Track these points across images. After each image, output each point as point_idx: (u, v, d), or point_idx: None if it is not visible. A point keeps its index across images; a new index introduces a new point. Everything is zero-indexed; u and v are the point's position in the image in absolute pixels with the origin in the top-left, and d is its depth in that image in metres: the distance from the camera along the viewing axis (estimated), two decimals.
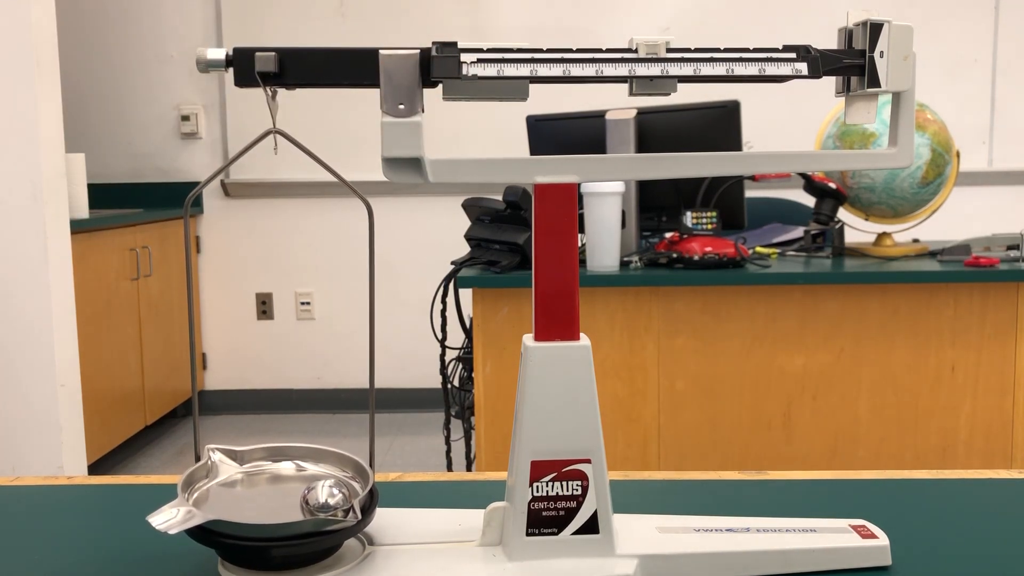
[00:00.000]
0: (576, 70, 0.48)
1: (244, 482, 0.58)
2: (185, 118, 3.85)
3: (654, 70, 0.48)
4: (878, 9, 3.58)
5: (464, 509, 0.60)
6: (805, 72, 0.49)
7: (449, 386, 2.20)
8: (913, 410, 2.00)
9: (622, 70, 0.48)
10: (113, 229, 3.19)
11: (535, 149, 2.35)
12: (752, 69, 0.49)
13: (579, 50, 0.48)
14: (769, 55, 0.49)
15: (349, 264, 3.90)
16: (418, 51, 0.49)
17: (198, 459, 0.58)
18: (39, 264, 2.50)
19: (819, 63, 0.50)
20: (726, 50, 0.48)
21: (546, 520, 0.54)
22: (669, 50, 0.48)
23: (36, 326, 2.51)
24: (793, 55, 0.49)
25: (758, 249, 2.18)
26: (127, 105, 3.86)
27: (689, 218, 2.10)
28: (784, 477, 0.73)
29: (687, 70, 0.48)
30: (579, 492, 0.54)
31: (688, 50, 0.48)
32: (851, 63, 0.50)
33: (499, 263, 1.97)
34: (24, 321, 2.51)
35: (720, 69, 0.48)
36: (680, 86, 0.50)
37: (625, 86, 0.49)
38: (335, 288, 3.92)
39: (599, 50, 0.47)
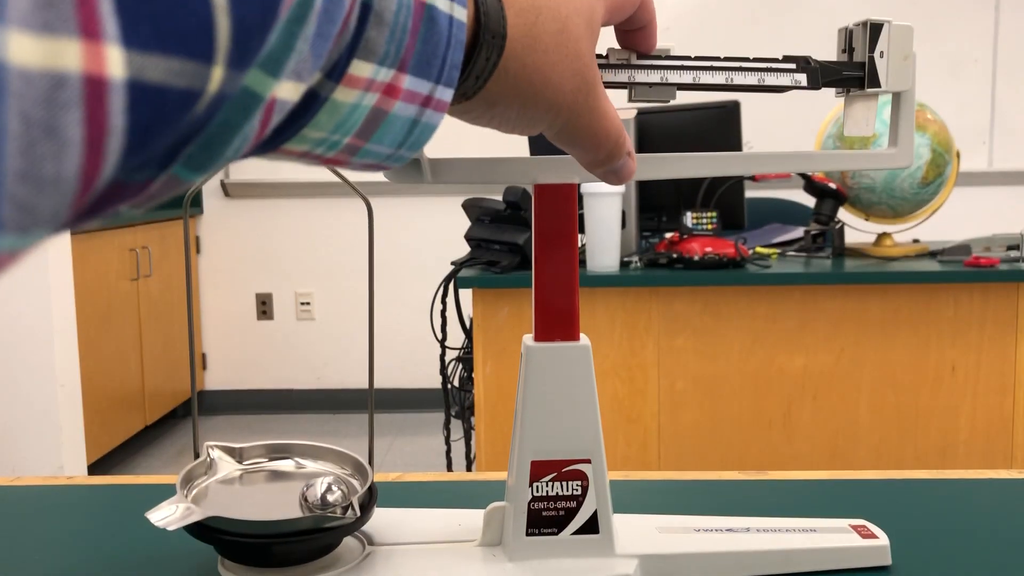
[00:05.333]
0: None
1: (243, 479, 0.58)
2: None
3: (653, 77, 0.48)
4: (878, 9, 3.58)
5: (464, 509, 0.60)
6: (804, 83, 0.49)
7: (449, 386, 2.20)
8: (913, 410, 2.00)
9: (621, 76, 0.48)
10: (113, 229, 3.19)
11: (535, 149, 2.35)
12: (751, 79, 0.49)
13: None
14: (769, 65, 0.49)
15: (349, 264, 3.90)
16: None
17: (197, 456, 0.58)
18: (39, 264, 2.50)
19: (818, 75, 0.50)
20: (726, 59, 0.48)
21: (546, 520, 0.54)
22: (668, 57, 0.48)
23: (36, 326, 2.51)
24: (793, 66, 0.49)
25: (758, 249, 2.18)
26: None
27: (689, 218, 2.10)
28: (784, 477, 0.73)
29: (686, 78, 0.48)
30: (579, 492, 0.54)
31: (688, 58, 0.48)
32: (851, 75, 0.50)
33: (499, 263, 1.97)
34: (24, 321, 2.51)
35: (719, 78, 0.48)
36: None
37: (624, 89, 0.49)
38: (335, 288, 3.92)
39: (599, 56, 0.47)
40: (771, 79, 0.49)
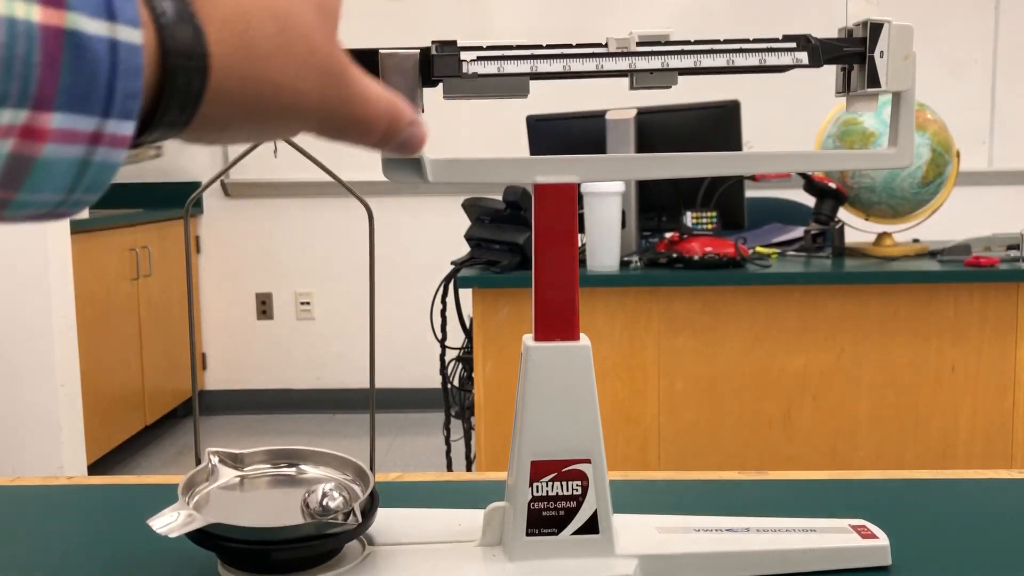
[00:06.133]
0: (576, 65, 0.48)
1: (244, 485, 0.58)
2: None
3: (654, 63, 0.48)
4: (878, 9, 3.58)
5: (464, 509, 0.60)
6: (805, 61, 0.49)
7: (449, 386, 2.20)
8: (913, 410, 2.00)
9: (622, 64, 0.48)
10: (113, 229, 3.19)
11: (535, 149, 2.35)
12: (752, 60, 0.48)
13: (579, 45, 0.48)
14: (769, 45, 0.49)
15: (349, 264, 3.90)
16: (418, 51, 0.49)
17: (199, 462, 0.58)
18: (39, 264, 2.50)
19: (819, 52, 0.49)
20: (726, 41, 0.48)
21: (546, 520, 0.54)
22: (669, 42, 0.48)
23: (36, 326, 2.51)
24: (793, 44, 0.49)
25: (758, 249, 2.18)
26: None
27: (689, 218, 2.10)
28: (784, 477, 0.73)
29: (687, 62, 0.48)
30: (579, 492, 0.54)
31: (688, 42, 0.48)
32: (852, 51, 0.50)
33: (499, 263, 1.97)
34: (24, 321, 2.51)
35: (720, 60, 0.48)
36: (681, 84, 0.50)
37: (625, 84, 0.49)
38: (335, 288, 3.92)
39: (599, 44, 0.47)
40: (772, 59, 0.49)
